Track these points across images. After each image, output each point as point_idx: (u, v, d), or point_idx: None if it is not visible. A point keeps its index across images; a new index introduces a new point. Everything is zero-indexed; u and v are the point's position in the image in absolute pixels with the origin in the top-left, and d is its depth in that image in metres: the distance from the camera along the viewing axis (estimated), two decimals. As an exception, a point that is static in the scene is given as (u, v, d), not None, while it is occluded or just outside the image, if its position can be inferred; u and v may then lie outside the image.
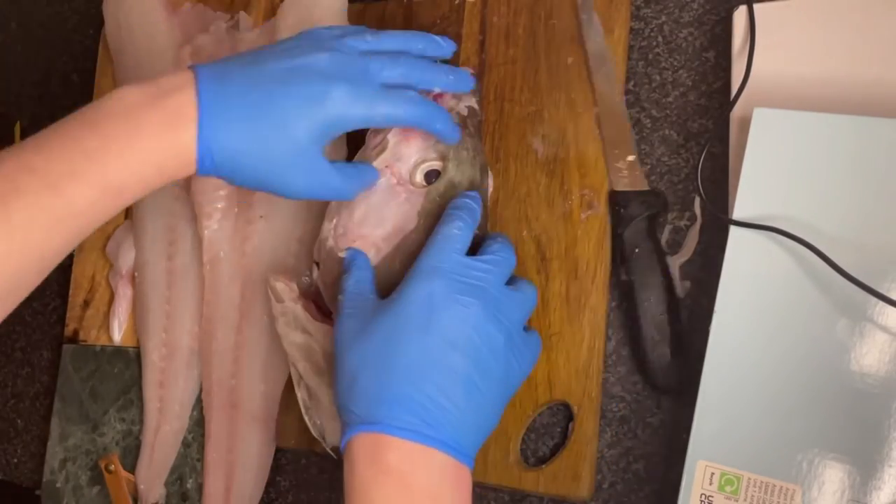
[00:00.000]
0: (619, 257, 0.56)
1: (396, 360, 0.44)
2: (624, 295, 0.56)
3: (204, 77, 0.47)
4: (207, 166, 0.47)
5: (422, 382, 0.43)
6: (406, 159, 0.54)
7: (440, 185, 0.53)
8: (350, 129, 0.50)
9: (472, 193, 0.52)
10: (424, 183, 0.54)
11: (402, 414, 0.43)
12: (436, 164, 0.54)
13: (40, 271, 0.45)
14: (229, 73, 0.47)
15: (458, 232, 0.49)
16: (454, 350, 0.44)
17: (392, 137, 0.54)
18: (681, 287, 0.56)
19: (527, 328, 0.51)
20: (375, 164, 0.54)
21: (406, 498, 0.42)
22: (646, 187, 0.57)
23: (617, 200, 0.56)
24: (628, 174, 0.57)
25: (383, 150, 0.54)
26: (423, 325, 0.44)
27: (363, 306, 0.48)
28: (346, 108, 0.47)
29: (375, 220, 0.53)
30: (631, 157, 0.57)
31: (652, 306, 0.54)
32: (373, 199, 0.54)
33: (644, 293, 0.55)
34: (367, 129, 0.56)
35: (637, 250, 0.55)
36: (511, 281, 0.50)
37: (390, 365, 0.44)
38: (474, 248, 0.51)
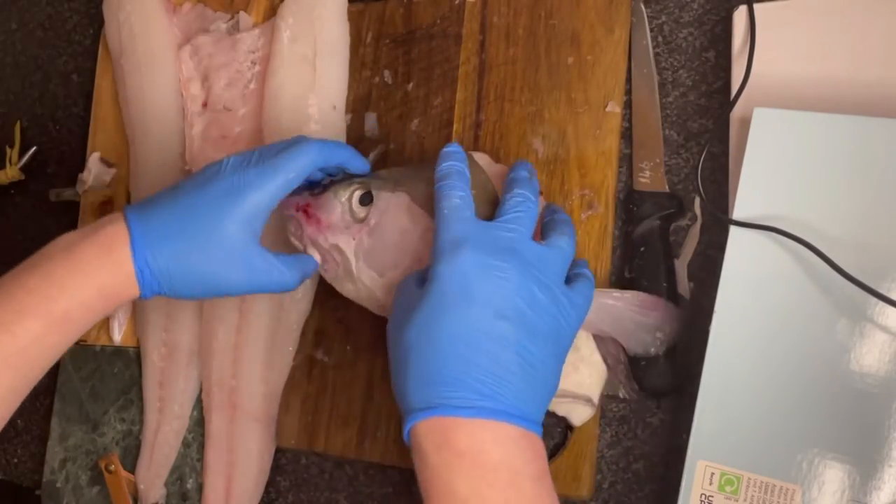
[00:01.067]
0: (626, 255, 0.56)
1: (443, 339, 0.43)
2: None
3: (131, 209, 0.50)
4: (148, 281, 0.49)
5: (473, 357, 0.42)
6: (330, 212, 0.54)
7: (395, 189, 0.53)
8: (272, 205, 0.51)
9: (453, 149, 0.50)
10: (360, 207, 0.53)
11: (460, 392, 0.42)
12: (356, 189, 0.53)
13: None
14: (153, 200, 0.51)
15: (458, 201, 0.47)
16: (499, 318, 0.43)
17: (298, 220, 0.55)
18: (686, 289, 0.56)
19: (574, 278, 0.49)
20: (310, 250, 0.54)
21: (484, 477, 0.41)
22: (665, 189, 0.57)
23: (632, 199, 0.57)
24: (650, 175, 0.57)
25: (302, 232, 0.55)
26: (462, 299, 0.43)
27: (408, 296, 0.47)
28: (260, 186, 0.50)
29: (395, 255, 0.52)
30: (657, 159, 0.57)
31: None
32: (379, 243, 0.53)
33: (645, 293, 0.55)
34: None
35: (643, 249, 0.55)
36: (545, 234, 0.49)
37: (439, 346, 0.43)
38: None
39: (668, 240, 0.56)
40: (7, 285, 0.48)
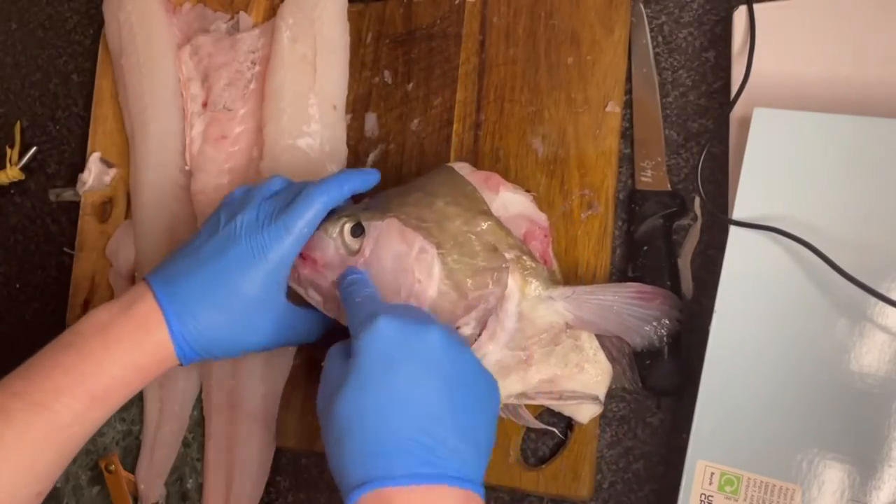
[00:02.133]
0: (629, 254, 0.56)
1: (374, 410, 0.42)
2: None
3: (156, 282, 0.51)
4: (188, 353, 0.51)
5: (406, 423, 0.42)
6: (324, 250, 0.53)
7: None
8: (289, 262, 0.52)
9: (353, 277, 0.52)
10: (353, 239, 0.52)
11: (398, 460, 0.41)
12: (345, 222, 0.53)
13: (37, 489, 0.49)
14: (174, 269, 0.52)
15: (367, 293, 0.49)
16: (426, 379, 0.43)
17: (294, 265, 0.54)
18: (690, 288, 0.56)
19: None
20: (311, 292, 0.54)
21: None
22: (667, 188, 0.57)
23: (635, 198, 0.57)
24: (652, 174, 0.57)
25: (301, 282, 0.54)
26: (385, 366, 0.43)
27: (335, 370, 0.46)
28: (279, 245, 0.51)
29: (395, 280, 0.51)
30: (658, 158, 0.57)
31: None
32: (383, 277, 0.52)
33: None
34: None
35: (646, 248, 0.55)
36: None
37: (370, 418, 0.42)
38: None
39: (671, 239, 0.56)
40: (43, 364, 0.49)
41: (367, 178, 0.56)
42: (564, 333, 0.52)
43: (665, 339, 0.52)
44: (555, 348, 0.52)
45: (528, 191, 0.56)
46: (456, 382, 0.44)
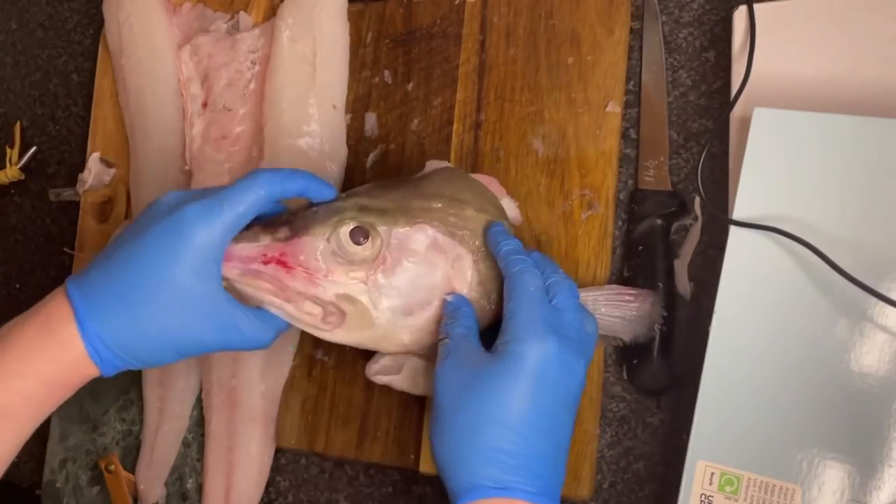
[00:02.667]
0: (625, 254, 0.56)
1: (527, 422, 0.43)
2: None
3: (72, 280, 0.44)
4: (106, 356, 0.43)
5: (550, 446, 0.44)
6: (321, 257, 0.47)
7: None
8: (223, 244, 0.44)
9: (498, 229, 0.50)
10: (357, 247, 0.47)
11: (534, 479, 0.43)
12: (339, 225, 0.47)
13: None
14: (92, 264, 0.44)
15: (536, 284, 0.47)
16: (565, 409, 0.45)
17: (274, 276, 0.46)
18: (686, 289, 0.56)
19: None
20: (306, 307, 0.48)
21: None
22: (668, 188, 0.57)
23: (635, 198, 0.57)
24: (654, 173, 0.57)
25: (276, 290, 0.47)
26: (542, 387, 0.44)
27: (470, 357, 0.46)
28: (204, 220, 0.43)
29: (426, 294, 0.49)
30: (662, 158, 0.57)
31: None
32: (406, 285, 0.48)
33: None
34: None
35: (642, 248, 0.55)
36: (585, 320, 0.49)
37: (514, 426, 0.43)
38: None
39: (669, 239, 0.56)
40: None
41: (325, 190, 0.49)
42: None
43: (650, 335, 0.53)
44: None
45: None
46: (574, 416, 0.46)
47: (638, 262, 0.55)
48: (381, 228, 0.48)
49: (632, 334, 0.53)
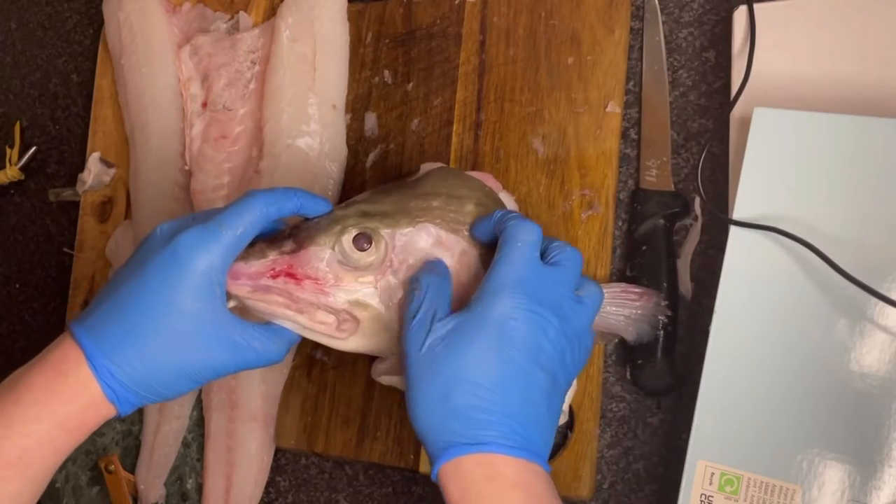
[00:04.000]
0: (628, 254, 0.56)
1: (492, 379, 0.43)
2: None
3: (76, 321, 0.44)
4: (122, 395, 0.43)
5: (518, 400, 0.43)
6: (329, 265, 0.47)
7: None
8: (225, 267, 0.45)
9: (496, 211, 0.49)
10: (362, 253, 0.47)
11: (510, 433, 0.43)
12: (342, 232, 0.47)
13: None
14: (95, 302, 0.45)
15: (534, 237, 0.46)
16: (538, 367, 0.44)
17: (285, 290, 0.47)
18: (688, 289, 0.55)
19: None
20: (320, 316, 0.48)
21: None
22: (671, 188, 0.57)
23: (637, 198, 0.57)
24: (657, 173, 0.57)
25: (286, 303, 0.47)
26: (512, 343, 0.43)
27: (442, 316, 0.45)
28: (203, 246, 0.43)
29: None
30: (664, 158, 0.57)
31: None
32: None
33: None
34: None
35: (645, 248, 0.55)
36: (578, 285, 0.48)
37: (487, 384, 0.43)
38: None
39: (672, 239, 0.56)
40: None
41: (320, 205, 0.49)
42: None
43: (653, 335, 0.52)
44: None
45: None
46: (556, 376, 0.45)
47: (641, 262, 0.55)
48: (385, 232, 0.48)
49: (636, 334, 0.52)
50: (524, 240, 0.45)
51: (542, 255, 0.47)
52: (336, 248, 0.47)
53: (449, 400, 0.43)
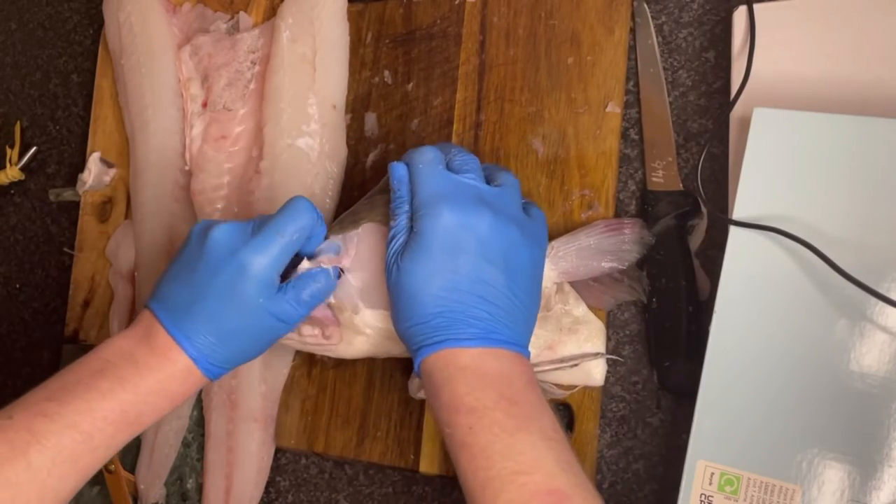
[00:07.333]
0: (644, 256, 0.56)
1: (442, 288, 0.48)
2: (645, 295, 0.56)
3: (161, 311, 0.52)
4: (217, 371, 0.52)
5: (470, 300, 0.48)
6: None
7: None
8: (281, 266, 0.52)
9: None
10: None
11: (462, 328, 0.48)
12: (332, 245, 0.54)
13: None
14: (175, 297, 0.52)
15: (431, 155, 0.51)
16: (486, 263, 0.48)
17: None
18: (706, 287, 0.55)
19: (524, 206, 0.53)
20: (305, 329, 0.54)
21: (483, 381, 0.47)
22: (679, 188, 0.57)
23: (647, 199, 0.57)
24: (663, 174, 0.57)
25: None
26: (451, 252, 0.48)
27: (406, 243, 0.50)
28: (268, 250, 0.51)
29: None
30: (669, 158, 0.57)
31: (672, 307, 0.54)
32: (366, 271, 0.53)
33: (665, 294, 0.54)
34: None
35: (661, 249, 0.55)
36: (492, 179, 0.53)
37: (438, 294, 0.48)
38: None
39: (686, 238, 0.56)
40: (76, 387, 0.49)
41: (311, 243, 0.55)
42: (554, 298, 0.55)
43: (640, 255, 0.54)
44: (547, 314, 0.55)
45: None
46: (509, 261, 0.49)
47: (659, 260, 0.55)
48: (334, 237, 0.54)
49: (627, 262, 0.54)
50: (423, 160, 0.51)
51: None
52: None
53: (416, 311, 0.49)
